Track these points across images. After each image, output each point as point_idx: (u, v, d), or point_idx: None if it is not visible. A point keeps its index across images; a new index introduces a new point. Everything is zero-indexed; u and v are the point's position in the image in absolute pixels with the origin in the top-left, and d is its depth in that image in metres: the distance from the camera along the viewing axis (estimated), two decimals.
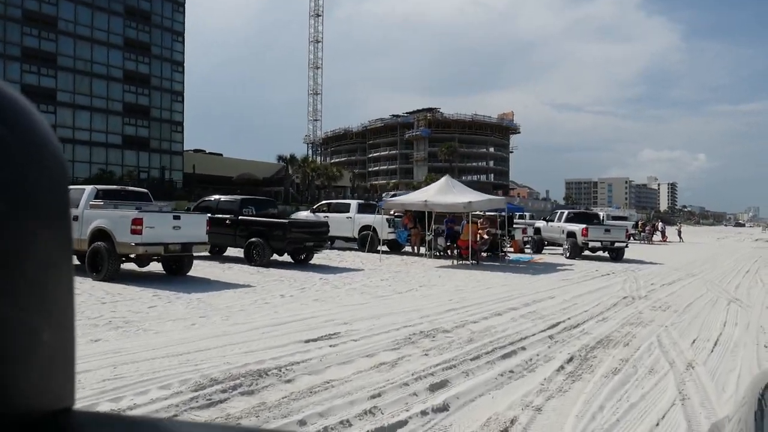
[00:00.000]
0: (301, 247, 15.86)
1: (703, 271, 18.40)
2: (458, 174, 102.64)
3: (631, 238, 39.29)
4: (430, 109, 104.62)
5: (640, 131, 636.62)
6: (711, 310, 10.58)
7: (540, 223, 25.23)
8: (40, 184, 0.41)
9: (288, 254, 16.08)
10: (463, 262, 18.11)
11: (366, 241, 20.03)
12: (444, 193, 18.41)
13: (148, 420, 0.48)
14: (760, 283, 15.14)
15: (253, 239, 15.31)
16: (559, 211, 23.31)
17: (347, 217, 21.74)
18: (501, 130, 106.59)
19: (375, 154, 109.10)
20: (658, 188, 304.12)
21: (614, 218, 44.15)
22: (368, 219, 20.83)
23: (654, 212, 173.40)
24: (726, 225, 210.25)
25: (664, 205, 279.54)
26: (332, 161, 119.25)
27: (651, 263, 20.80)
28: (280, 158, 46.05)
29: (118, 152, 54.51)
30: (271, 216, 16.59)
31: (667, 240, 42.97)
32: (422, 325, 7.85)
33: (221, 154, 67.25)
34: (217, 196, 17.58)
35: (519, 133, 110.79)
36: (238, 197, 17.76)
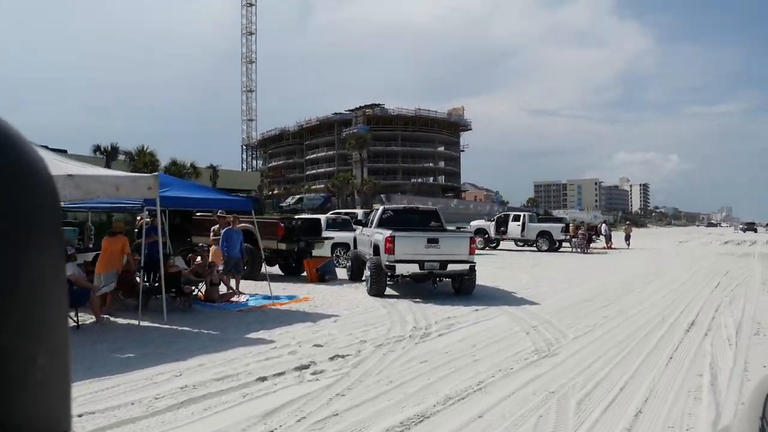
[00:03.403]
0: None
1: (592, 331, 8.55)
2: (402, 175, 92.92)
3: (559, 245, 29.81)
4: (372, 105, 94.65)
5: (615, 135, 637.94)
6: None
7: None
8: (33, 213, 0.41)
9: None
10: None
11: None
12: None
13: None
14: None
15: None
16: (380, 209, 13.15)
17: None
18: (450, 127, 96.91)
19: (312, 156, 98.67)
20: (630, 189, 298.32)
21: (544, 220, 34.31)
22: None
23: (622, 214, 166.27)
24: (698, 225, 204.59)
25: (636, 206, 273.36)
26: (270, 165, 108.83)
27: (507, 304, 10.98)
28: (98, 149, 35.78)
29: None
30: None
31: (612, 246, 33.38)
32: None
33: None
34: None
35: (470, 130, 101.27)
36: None
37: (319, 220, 16.41)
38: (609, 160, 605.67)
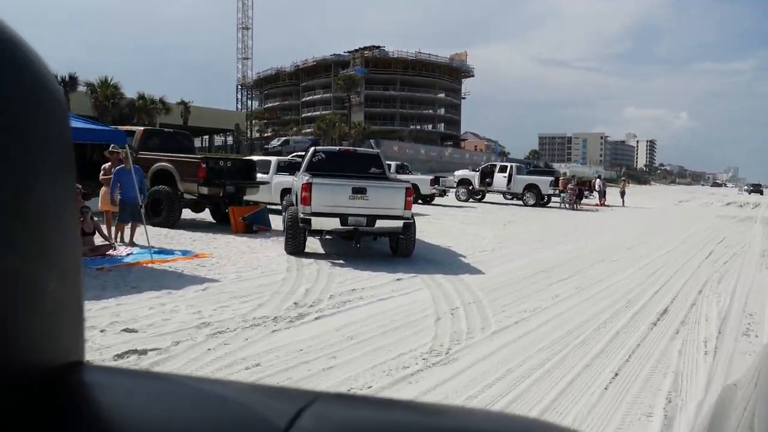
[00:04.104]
0: None
1: (538, 314, 6.50)
2: (400, 121, 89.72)
3: (548, 200, 27.74)
4: (371, 47, 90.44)
5: (625, 88, 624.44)
6: None
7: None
8: (40, 126, 0.39)
9: None
10: None
11: None
12: None
13: (161, 375, 0.46)
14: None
15: None
16: (311, 150, 10.94)
17: None
18: (451, 72, 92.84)
19: (308, 98, 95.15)
20: (636, 145, 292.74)
21: (534, 172, 32.07)
22: None
23: (625, 169, 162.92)
24: (703, 185, 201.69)
25: (641, 162, 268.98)
26: (266, 106, 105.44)
27: (443, 273, 9.06)
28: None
29: None
30: None
31: (605, 203, 31.28)
32: None
33: None
34: None
35: (472, 76, 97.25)
36: None
37: (253, 161, 14.23)
38: (618, 114, 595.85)
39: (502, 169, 28.50)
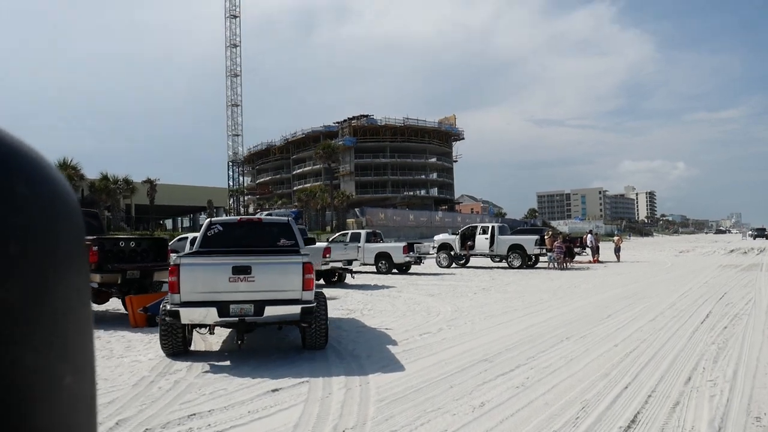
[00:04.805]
0: None
1: None
2: (392, 188, 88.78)
3: (535, 260, 25.74)
4: (359, 117, 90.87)
5: (620, 143, 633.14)
6: None
7: None
8: (59, 235, 0.43)
9: None
10: None
11: None
12: None
13: None
14: None
15: None
16: (206, 222, 9.05)
17: None
18: (441, 136, 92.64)
19: (299, 170, 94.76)
20: (636, 198, 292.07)
21: (522, 231, 30.20)
22: None
23: (626, 223, 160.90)
24: (707, 233, 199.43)
25: (642, 215, 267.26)
26: (258, 182, 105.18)
27: (351, 373, 7.21)
28: None
29: None
30: None
31: (598, 260, 29.23)
32: None
33: None
34: None
35: (462, 139, 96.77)
36: None
37: (164, 240, 12.36)
38: (615, 169, 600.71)
39: (484, 230, 26.61)
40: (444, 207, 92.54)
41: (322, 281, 18.90)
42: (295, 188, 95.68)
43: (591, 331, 8.97)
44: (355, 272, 24.16)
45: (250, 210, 79.96)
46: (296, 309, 7.16)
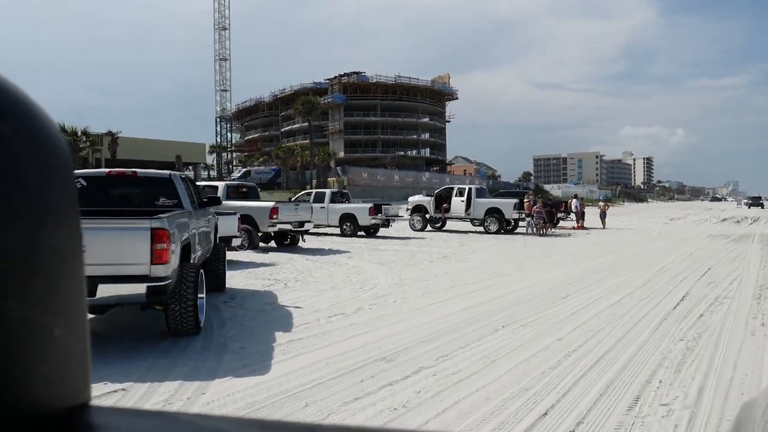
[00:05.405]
0: None
1: None
2: (382, 148, 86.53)
3: (514, 225, 24.20)
4: (350, 73, 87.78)
5: (620, 108, 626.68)
6: None
7: None
8: (47, 180, 0.41)
9: None
10: None
11: None
12: None
13: (168, 414, 0.46)
14: None
15: None
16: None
17: None
18: (434, 96, 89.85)
19: (288, 128, 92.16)
20: (633, 163, 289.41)
21: (504, 194, 28.54)
22: None
23: (622, 188, 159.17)
24: (703, 200, 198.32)
25: (639, 180, 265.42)
26: (247, 138, 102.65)
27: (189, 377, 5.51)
28: None
29: None
30: None
31: (582, 226, 27.67)
32: None
33: None
34: None
35: (456, 99, 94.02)
36: None
37: None
38: (614, 134, 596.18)
39: (460, 192, 24.89)
40: (435, 168, 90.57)
41: (273, 244, 17.30)
42: (283, 145, 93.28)
43: (539, 316, 7.38)
44: (322, 234, 22.64)
45: (233, 167, 77.87)
46: (140, 288, 5.49)
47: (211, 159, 76.64)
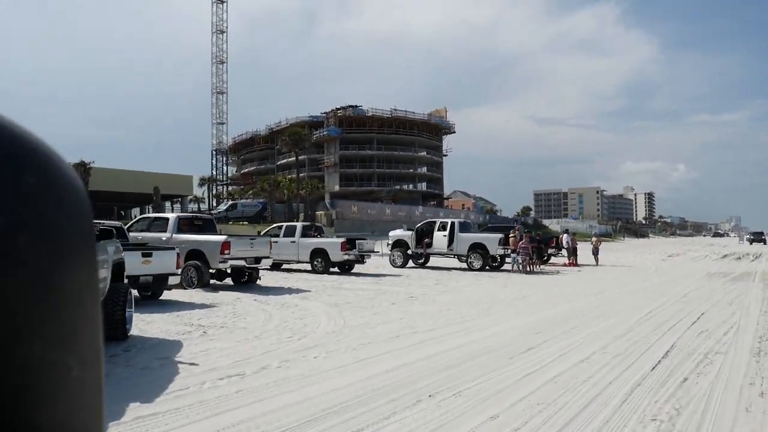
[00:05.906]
0: None
1: None
2: (378, 181, 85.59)
3: (501, 261, 22.79)
4: (346, 107, 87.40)
5: (621, 144, 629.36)
6: None
7: None
8: (68, 227, 0.43)
9: None
10: None
11: None
12: None
13: None
14: None
15: None
16: None
17: None
18: (431, 129, 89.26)
19: (283, 161, 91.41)
20: (635, 198, 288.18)
21: (490, 229, 27.19)
22: None
23: (622, 223, 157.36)
24: (705, 235, 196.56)
25: (640, 215, 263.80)
26: (243, 171, 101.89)
27: None
28: None
29: None
30: None
31: (574, 263, 26.25)
32: None
33: None
34: None
35: (453, 132, 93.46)
36: None
37: None
38: (615, 170, 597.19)
39: (443, 227, 23.52)
40: (433, 202, 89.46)
41: (229, 281, 15.89)
42: (280, 179, 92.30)
43: (483, 379, 5.92)
44: (294, 271, 21.21)
45: (223, 199, 76.80)
46: None
47: (201, 192, 75.65)
